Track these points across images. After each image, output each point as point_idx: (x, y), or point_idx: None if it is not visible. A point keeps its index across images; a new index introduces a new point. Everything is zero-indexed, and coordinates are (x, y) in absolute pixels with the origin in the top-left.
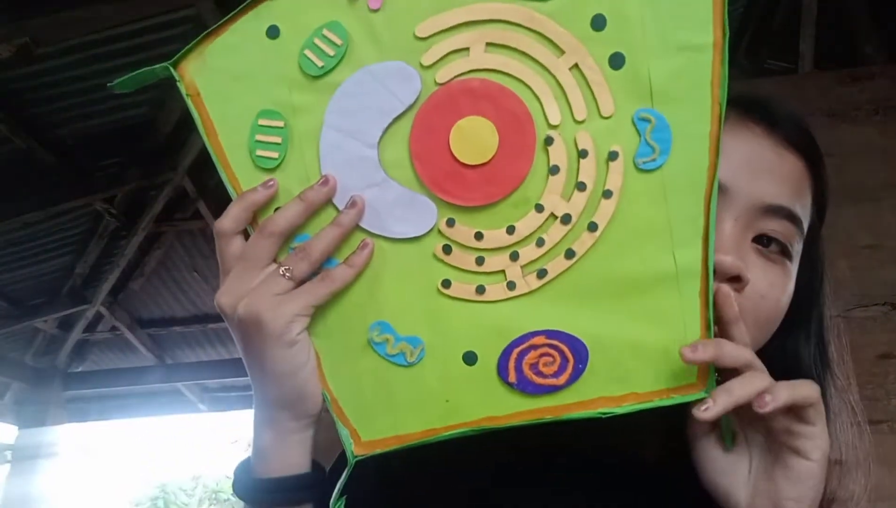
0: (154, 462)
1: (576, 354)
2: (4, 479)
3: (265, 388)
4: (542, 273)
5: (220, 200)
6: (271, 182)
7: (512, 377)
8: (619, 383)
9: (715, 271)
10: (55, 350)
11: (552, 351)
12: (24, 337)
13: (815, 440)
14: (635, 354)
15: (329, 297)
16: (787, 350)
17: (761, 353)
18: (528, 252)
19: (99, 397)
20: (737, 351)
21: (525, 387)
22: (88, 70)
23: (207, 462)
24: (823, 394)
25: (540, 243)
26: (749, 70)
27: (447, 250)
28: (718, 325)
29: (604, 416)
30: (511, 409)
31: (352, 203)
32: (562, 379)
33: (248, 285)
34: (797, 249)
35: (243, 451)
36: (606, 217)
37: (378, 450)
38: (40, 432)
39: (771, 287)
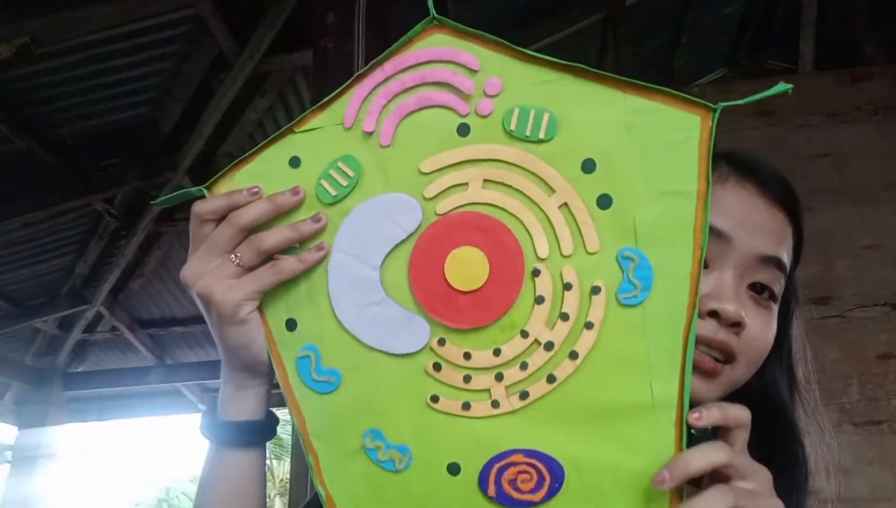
0: (154, 463)
1: (552, 473)
2: (4, 479)
3: (224, 354)
4: (524, 395)
5: None
6: (255, 189)
7: (492, 491)
8: (592, 504)
9: (719, 317)
10: (55, 351)
11: (530, 469)
12: (24, 337)
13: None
14: (610, 477)
15: (274, 285)
16: (764, 377)
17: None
18: (513, 374)
19: (99, 397)
20: (704, 457)
21: (503, 501)
22: (88, 70)
23: None
24: (793, 415)
25: (524, 366)
26: (749, 70)
27: (437, 367)
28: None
29: None
30: None
31: (317, 218)
32: (538, 496)
33: (207, 266)
34: (780, 290)
35: None
36: (587, 347)
37: None
38: (40, 432)
39: (763, 330)
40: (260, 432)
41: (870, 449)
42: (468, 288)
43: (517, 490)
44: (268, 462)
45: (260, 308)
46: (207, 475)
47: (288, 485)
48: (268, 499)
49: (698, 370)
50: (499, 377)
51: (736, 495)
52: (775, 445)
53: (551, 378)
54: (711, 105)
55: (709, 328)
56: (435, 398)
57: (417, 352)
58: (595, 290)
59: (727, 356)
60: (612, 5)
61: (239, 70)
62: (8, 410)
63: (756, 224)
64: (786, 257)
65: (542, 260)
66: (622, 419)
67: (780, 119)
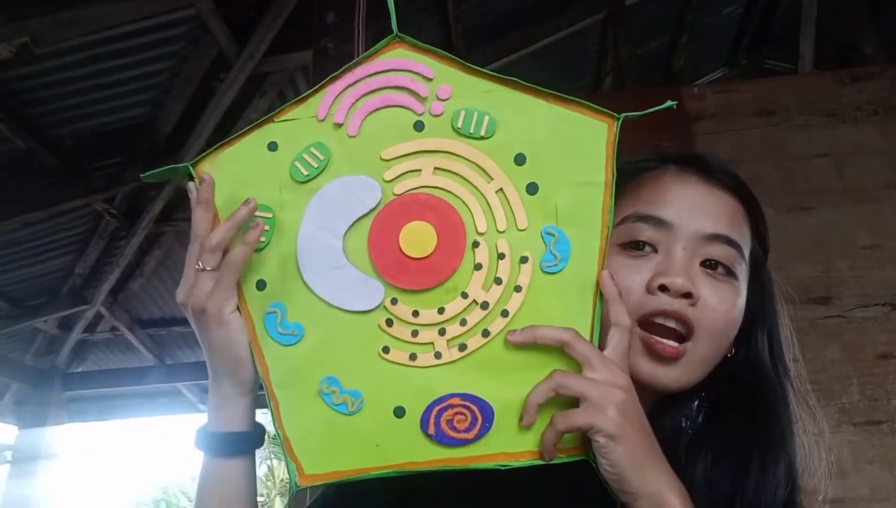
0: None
1: (484, 414)
2: (4, 479)
3: (211, 361)
4: (462, 347)
5: None
6: (250, 201)
7: (431, 430)
8: (518, 441)
9: (668, 290)
10: (55, 351)
11: (465, 411)
12: (24, 337)
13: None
14: None
15: (235, 276)
16: (751, 360)
17: (729, 365)
18: (453, 329)
19: (99, 397)
20: (550, 331)
21: (441, 439)
22: (88, 70)
23: None
24: (785, 398)
25: (463, 322)
26: (749, 70)
27: (389, 323)
28: (604, 304)
29: (502, 468)
30: (428, 456)
31: (246, 202)
32: (471, 434)
33: (188, 284)
34: (741, 268)
35: None
36: (516, 306)
37: (318, 483)
38: (40, 432)
39: (720, 302)
40: (246, 441)
41: (870, 449)
42: (418, 255)
43: (454, 429)
44: (268, 461)
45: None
46: (201, 485)
47: (288, 485)
48: (268, 499)
49: (659, 356)
50: (441, 332)
51: (564, 379)
52: (762, 423)
53: (486, 333)
54: (616, 114)
55: (662, 302)
56: (386, 350)
57: (373, 310)
58: (523, 260)
59: (686, 328)
60: (612, 5)
61: (239, 70)
62: (8, 410)
63: (698, 207)
64: (737, 236)
65: (481, 234)
66: (541, 369)
67: (780, 119)
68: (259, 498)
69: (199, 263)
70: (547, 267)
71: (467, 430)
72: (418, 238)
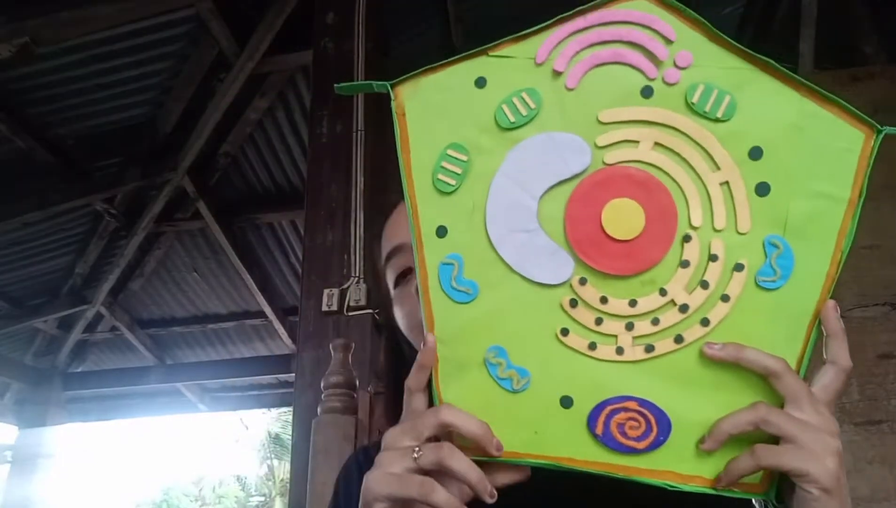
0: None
1: (660, 425)
2: (4, 479)
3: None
4: (649, 348)
5: (219, 200)
6: (430, 340)
7: (599, 430)
8: (691, 463)
9: None
10: (55, 351)
11: (640, 418)
12: (24, 337)
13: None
14: None
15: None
16: None
17: None
18: (643, 327)
19: (99, 397)
20: (760, 356)
21: (608, 442)
22: (88, 70)
23: (209, 463)
24: None
25: (655, 321)
26: None
27: (573, 303)
28: (827, 340)
29: (669, 488)
30: (590, 457)
31: (491, 493)
32: (642, 444)
33: (398, 466)
34: None
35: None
36: (719, 317)
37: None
38: (40, 432)
39: None
40: None
41: (870, 449)
42: (620, 237)
43: (624, 434)
44: (268, 461)
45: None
46: None
47: (288, 485)
48: (268, 499)
49: None
50: (629, 327)
51: (769, 414)
52: None
53: (679, 339)
54: (878, 126)
55: None
56: (565, 332)
57: (557, 285)
58: (738, 267)
59: None
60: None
61: (239, 70)
62: (8, 410)
63: None
64: None
65: (695, 228)
66: (737, 392)
67: None
68: (259, 498)
69: (418, 449)
70: (763, 281)
71: (639, 439)
72: (623, 217)
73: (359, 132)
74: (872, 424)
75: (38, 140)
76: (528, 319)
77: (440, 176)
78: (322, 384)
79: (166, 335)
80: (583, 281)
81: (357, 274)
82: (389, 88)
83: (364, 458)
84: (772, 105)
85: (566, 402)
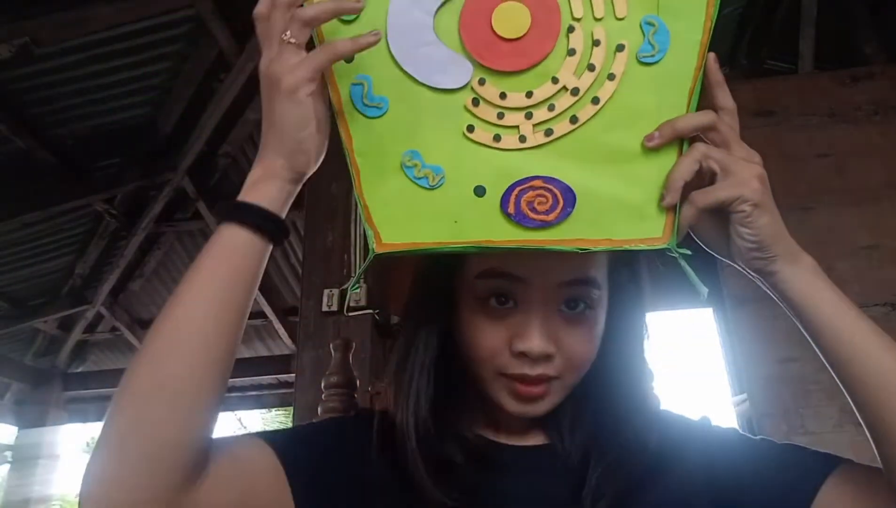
0: None
1: (566, 198)
2: (4, 479)
3: (269, 138)
4: (549, 132)
5: (219, 200)
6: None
7: (511, 210)
8: (598, 228)
9: (527, 355)
10: (55, 351)
11: (546, 193)
12: (24, 337)
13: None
14: (615, 208)
15: (328, 64)
16: (619, 352)
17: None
18: (541, 114)
19: (99, 397)
20: (691, 119)
21: (521, 220)
22: (88, 70)
23: None
24: (636, 377)
25: (551, 108)
26: (749, 70)
27: (476, 102)
28: (706, 89)
29: (580, 251)
30: (507, 236)
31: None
32: (551, 217)
33: (271, 53)
34: (601, 293)
35: None
36: (608, 94)
37: (395, 251)
38: (40, 432)
39: (580, 342)
40: (272, 222)
41: (870, 449)
42: (510, 36)
43: (533, 210)
44: None
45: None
46: (203, 254)
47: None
48: None
49: (526, 398)
50: (528, 116)
51: (708, 151)
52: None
53: (574, 119)
54: None
55: (523, 366)
56: (470, 128)
57: (459, 88)
58: (619, 47)
59: (550, 379)
60: None
61: (239, 70)
62: (8, 410)
63: (549, 256)
64: (591, 270)
65: (577, 20)
66: (631, 160)
67: (780, 119)
68: None
69: (288, 32)
70: (643, 57)
71: (547, 212)
72: (511, 19)
73: None
74: None
75: (38, 140)
76: (436, 122)
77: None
78: (322, 384)
79: None
80: (482, 81)
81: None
82: None
83: (353, 426)
84: None
85: (479, 191)
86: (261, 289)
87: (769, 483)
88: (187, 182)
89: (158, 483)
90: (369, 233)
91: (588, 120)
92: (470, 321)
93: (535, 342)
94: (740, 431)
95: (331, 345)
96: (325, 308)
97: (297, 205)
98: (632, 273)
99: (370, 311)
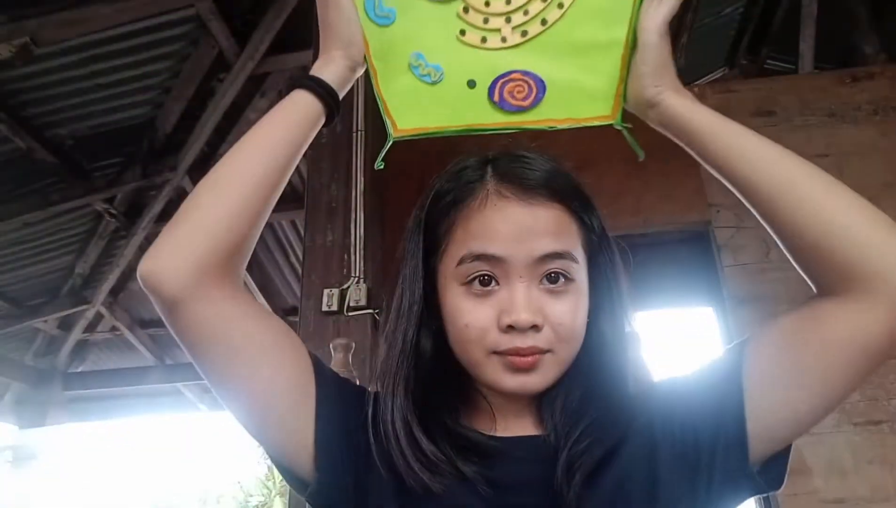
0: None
1: (538, 87)
2: (4, 479)
3: (327, 35)
4: (524, 33)
5: None
6: None
7: (496, 98)
8: (563, 110)
9: (515, 328)
10: (55, 350)
11: (524, 84)
12: (24, 337)
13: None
14: (576, 93)
15: None
16: (601, 330)
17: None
18: (517, 18)
19: (99, 397)
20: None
21: (504, 105)
22: (88, 70)
23: (208, 463)
24: (620, 360)
25: (526, 13)
26: (749, 70)
27: (465, 10)
28: None
29: (549, 130)
30: (492, 119)
31: None
32: (527, 102)
33: None
34: (578, 267)
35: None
36: (570, 0)
37: (408, 135)
38: (40, 432)
39: (566, 312)
40: (330, 95)
41: (870, 449)
42: None
43: (513, 97)
44: (268, 461)
45: None
46: (271, 110)
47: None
48: (268, 499)
49: (520, 369)
50: (508, 20)
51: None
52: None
53: (544, 21)
54: None
55: (514, 339)
56: (462, 32)
57: (452, 0)
58: None
59: (541, 351)
60: None
61: (239, 70)
62: (8, 410)
63: (524, 233)
64: (566, 244)
65: None
66: (588, 52)
67: (780, 119)
68: (259, 498)
69: None
70: None
71: (524, 99)
72: None
73: (359, 132)
74: (872, 424)
75: (38, 140)
76: (435, 28)
77: None
78: None
79: (166, 334)
80: None
81: (357, 274)
82: None
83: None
84: None
85: (471, 83)
86: (260, 289)
87: (706, 407)
88: (187, 182)
89: (194, 253)
90: (387, 122)
91: (555, 21)
92: (457, 307)
93: (521, 314)
94: (689, 373)
95: (331, 345)
96: (325, 308)
97: (297, 205)
98: (606, 247)
99: (370, 311)
